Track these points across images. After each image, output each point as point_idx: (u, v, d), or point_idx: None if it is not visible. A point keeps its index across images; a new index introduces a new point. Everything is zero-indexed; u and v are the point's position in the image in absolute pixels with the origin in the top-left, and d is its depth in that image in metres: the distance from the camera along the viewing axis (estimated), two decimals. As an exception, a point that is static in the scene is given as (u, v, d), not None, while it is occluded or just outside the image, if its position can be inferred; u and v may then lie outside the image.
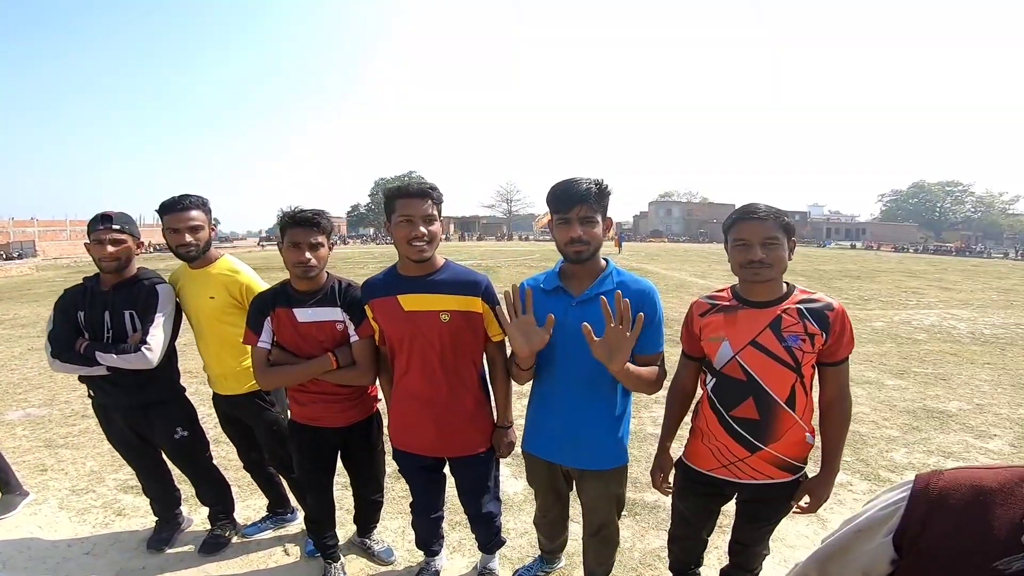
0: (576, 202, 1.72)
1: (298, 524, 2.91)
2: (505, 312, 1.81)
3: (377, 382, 2.26)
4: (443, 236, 1.99)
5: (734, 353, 1.72)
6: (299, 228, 2.06)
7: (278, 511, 2.90)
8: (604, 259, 1.89)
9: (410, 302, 1.96)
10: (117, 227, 2.29)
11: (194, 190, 2.41)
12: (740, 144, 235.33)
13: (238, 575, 2.55)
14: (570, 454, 1.94)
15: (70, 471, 3.56)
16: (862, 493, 3.26)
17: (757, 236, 1.65)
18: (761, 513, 1.89)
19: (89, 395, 2.48)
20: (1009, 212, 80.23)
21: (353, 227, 75.01)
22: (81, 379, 2.39)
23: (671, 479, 2.05)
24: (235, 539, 2.77)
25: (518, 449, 2.20)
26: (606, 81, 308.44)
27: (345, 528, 2.77)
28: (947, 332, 8.30)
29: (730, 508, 2.03)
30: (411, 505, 2.33)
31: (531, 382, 2.01)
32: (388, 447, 2.33)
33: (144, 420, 2.48)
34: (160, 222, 2.36)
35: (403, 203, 1.87)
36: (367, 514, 2.65)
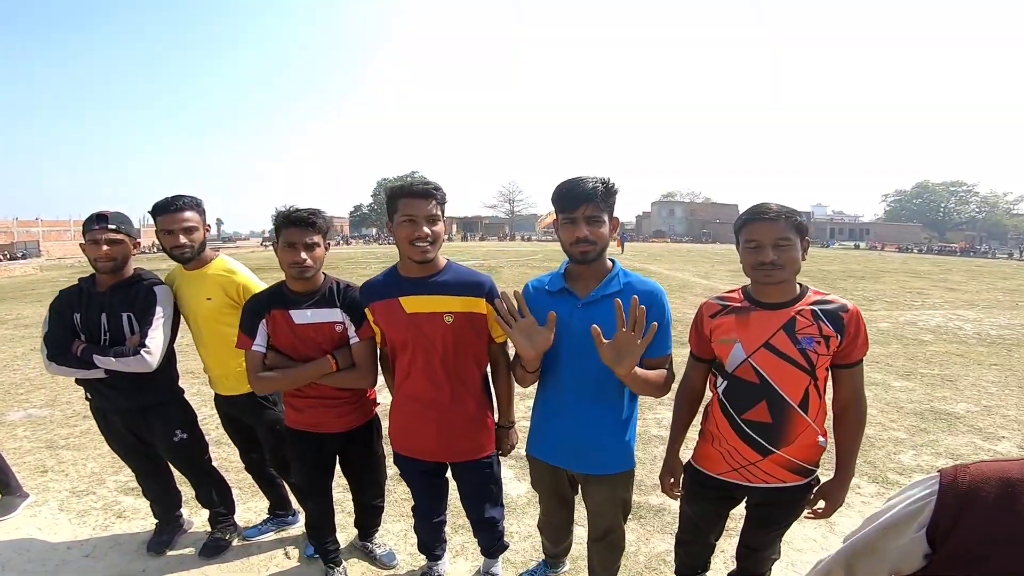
0: (582, 201, 1.69)
1: (299, 526, 2.88)
2: (505, 317, 1.77)
3: (375, 386, 2.22)
4: (446, 236, 1.96)
5: (747, 355, 1.69)
6: (294, 228, 2.01)
7: (279, 513, 2.88)
8: (610, 260, 1.85)
9: (412, 304, 1.92)
10: (113, 227, 2.25)
11: (197, 191, 2.38)
12: (743, 144, 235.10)
13: (238, 579, 2.52)
14: (575, 459, 1.90)
15: (71, 472, 3.54)
16: (870, 496, 3.23)
17: (768, 237, 1.61)
18: (772, 517, 1.86)
19: (87, 398, 2.45)
20: (1013, 212, 79.86)
21: (356, 227, 75.12)
22: (78, 382, 2.36)
23: (680, 483, 2.02)
24: (236, 542, 2.75)
25: (521, 451, 2.17)
26: (609, 81, 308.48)
27: (347, 532, 2.75)
28: (953, 333, 8.23)
29: (737, 512, 2.00)
30: (413, 509, 2.30)
31: (535, 384, 1.98)
32: (388, 450, 2.30)
33: (143, 422, 2.45)
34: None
35: (406, 202, 1.84)
36: (368, 519, 2.62)
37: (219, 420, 2.70)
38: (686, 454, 2.01)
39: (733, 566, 2.11)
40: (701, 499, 1.94)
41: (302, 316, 2.08)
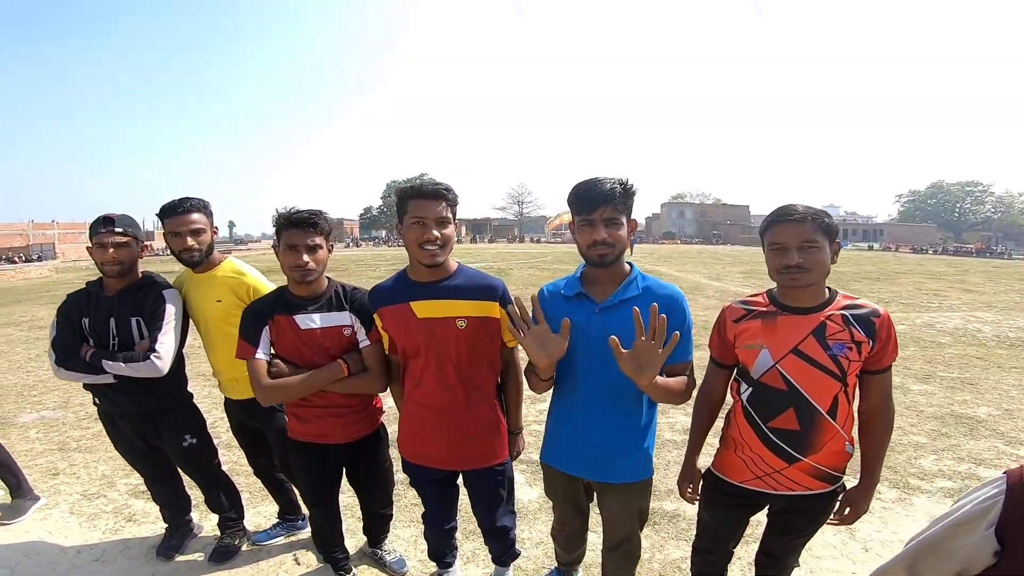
0: (600, 203, 1.64)
1: (309, 531, 2.85)
2: (518, 323, 1.72)
3: (385, 390, 2.17)
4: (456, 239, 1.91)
5: (774, 362, 1.64)
6: (296, 229, 1.96)
7: (288, 518, 2.85)
8: (628, 263, 1.80)
9: (424, 309, 1.87)
10: (119, 229, 2.23)
11: (209, 193, 2.36)
12: (754, 145, 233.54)
13: (248, 584, 2.50)
14: (592, 467, 1.85)
15: (82, 475, 3.54)
16: (891, 502, 3.16)
17: (794, 239, 1.56)
18: (796, 524, 1.82)
19: (95, 403, 2.44)
20: (1030, 212, 78.70)
21: (365, 229, 75.44)
22: (87, 387, 2.35)
23: (699, 490, 1.98)
24: (245, 547, 2.72)
25: (532, 456, 2.13)
26: (618, 82, 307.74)
27: (356, 538, 2.72)
28: (972, 335, 8.07)
29: (756, 518, 1.95)
30: (423, 516, 2.26)
31: (550, 391, 1.93)
32: (394, 453, 2.26)
33: (152, 427, 2.43)
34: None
35: (415, 204, 1.79)
36: (377, 526, 2.58)
37: (228, 424, 2.68)
38: (698, 457, 1.97)
39: (750, 573, 2.05)
40: (722, 507, 1.90)
41: (308, 320, 2.02)
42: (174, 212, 2.27)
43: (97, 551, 2.71)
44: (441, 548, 2.31)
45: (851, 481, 1.76)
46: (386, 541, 2.64)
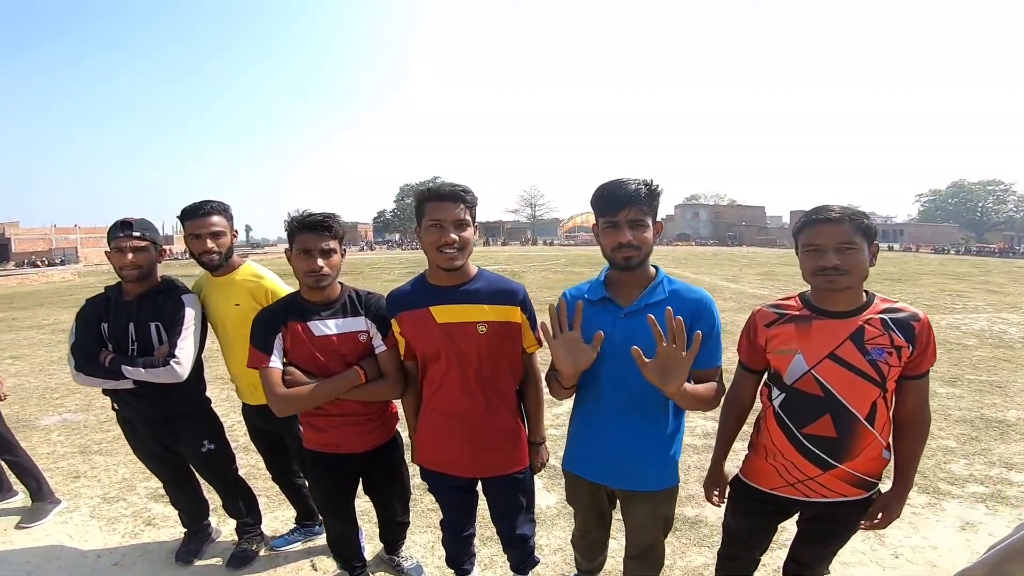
0: (625, 204, 1.60)
1: (325, 537, 2.84)
2: (548, 327, 1.68)
3: (402, 396, 2.13)
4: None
5: (809, 367, 1.60)
6: (309, 233, 1.92)
7: (306, 523, 2.83)
8: (653, 266, 1.76)
9: (444, 313, 1.84)
10: (137, 234, 2.23)
11: (224, 198, 2.35)
12: (770, 145, 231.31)
13: (265, 590, 2.48)
14: (617, 475, 1.81)
15: (102, 478, 3.57)
16: (920, 507, 3.08)
17: (831, 240, 1.52)
18: (829, 531, 1.78)
19: (113, 408, 2.44)
20: (1054, 212, 76.95)
21: (379, 232, 76.01)
22: (105, 392, 2.35)
23: (725, 495, 1.94)
24: (263, 552, 2.71)
25: (551, 461, 2.09)
26: (631, 83, 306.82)
27: (372, 543, 2.69)
28: (998, 337, 7.88)
29: (784, 524, 1.90)
30: (441, 523, 2.22)
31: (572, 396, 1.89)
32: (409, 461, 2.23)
33: (170, 433, 2.43)
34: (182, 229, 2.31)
35: (433, 207, 1.76)
36: (394, 534, 2.55)
37: (245, 428, 2.67)
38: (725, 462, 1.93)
39: None
40: (751, 514, 1.86)
41: (323, 327, 1.98)
42: (195, 214, 2.26)
43: (116, 555, 2.72)
44: (459, 555, 2.27)
45: (883, 485, 1.73)
46: (403, 547, 2.61)
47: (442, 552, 2.37)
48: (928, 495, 3.22)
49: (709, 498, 1.95)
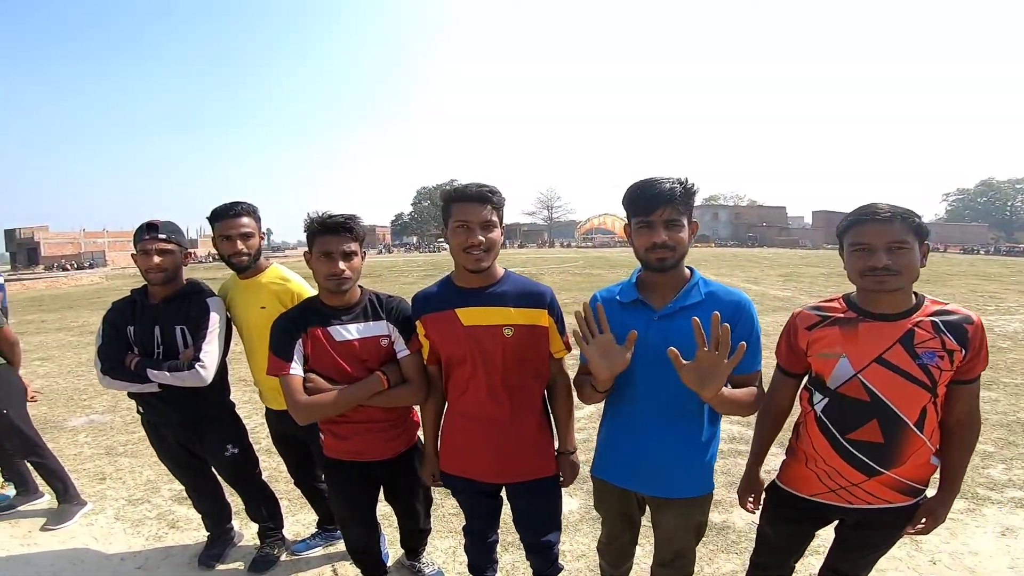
0: (660, 203, 1.55)
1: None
2: (583, 330, 1.62)
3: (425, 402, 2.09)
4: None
5: (855, 371, 1.53)
6: (330, 235, 1.87)
7: (327, 528, 2.82)
8: (688, 267, 1.70)
9: (470, 316, 1.80)
10: (163, 236, 2.23)
11: (248, 199, 2.36)
12: (791, 144, 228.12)
13: (287, 596, 2.47)
14: (649, 482, 1.75)
15: (128, 480, 3.60)
16: (959, 513, 2.99)
17: (881, 240, 1.46)
18: (871, 539, 1.72)
19: (138, 411, 2.45)
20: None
21: (397, 235, 76.63)
22: (131, 395, 2.36)
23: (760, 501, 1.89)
24: (284, 556, 2.70)
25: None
26: (650, 82, 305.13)
27: (393, 548, 2.67)
28: (1034, 340, 7.61)
29: (818, 531, 1.84)
30: (464, 529, 2.18)
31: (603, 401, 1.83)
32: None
33: (194, 437, 2.44)
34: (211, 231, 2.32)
35: (459, 207, 1.72)
36: (415, 540, 2.51)
37: (268, 431, 2.67)
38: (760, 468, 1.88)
39: None
40: (788, 521, 1.80)
41: (344, 332, 1.94)
42: (226, 215, 2.26)
43: (140, 558, 2.73)
44: (482, 562, 2.22)
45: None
46: (424, 553, 2.58)
47: (464, 558, 2.33)
48: (967, 500, 3.13)
49: (743, 504, 1.90)
